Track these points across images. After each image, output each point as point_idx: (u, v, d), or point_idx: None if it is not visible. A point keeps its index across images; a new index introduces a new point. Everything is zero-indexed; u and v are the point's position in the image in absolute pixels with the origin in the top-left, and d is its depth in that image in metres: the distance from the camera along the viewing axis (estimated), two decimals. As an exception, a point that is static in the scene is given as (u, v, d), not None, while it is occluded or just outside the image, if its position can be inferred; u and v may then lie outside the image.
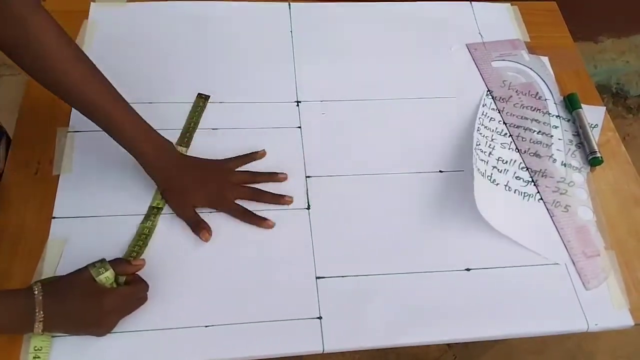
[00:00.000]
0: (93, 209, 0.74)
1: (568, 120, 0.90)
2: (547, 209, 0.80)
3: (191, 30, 0.94)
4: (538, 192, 0.82)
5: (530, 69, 0.94)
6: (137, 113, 0.71)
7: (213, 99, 0.86)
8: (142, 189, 0.76)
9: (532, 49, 0.99)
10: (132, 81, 0.85)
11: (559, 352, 1.50)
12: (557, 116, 0.90)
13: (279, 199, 0.77)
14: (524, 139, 0.86)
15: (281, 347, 0.67)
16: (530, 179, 0.83)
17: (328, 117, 0.87)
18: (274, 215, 0.76)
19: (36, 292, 0.59)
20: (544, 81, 0.94)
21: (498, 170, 0.82)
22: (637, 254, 0.79)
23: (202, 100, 0.85)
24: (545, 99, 0.91)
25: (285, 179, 0.79)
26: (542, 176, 0.83)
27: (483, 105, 0.89)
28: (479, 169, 0.79)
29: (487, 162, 0.82)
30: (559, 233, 0.78)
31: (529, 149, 0.86)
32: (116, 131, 0.70)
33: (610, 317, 0.73)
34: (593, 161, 0.84)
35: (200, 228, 0.73)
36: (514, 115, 0.89)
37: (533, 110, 0.89)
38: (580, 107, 0.89)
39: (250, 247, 0.73)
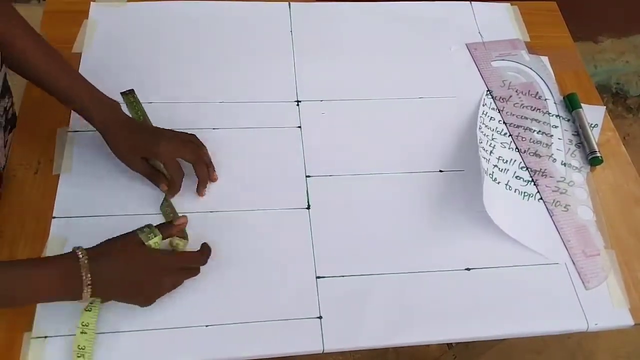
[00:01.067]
0: (93, 209, 0.74)
1: (568, 120, 0.90)
2: (547, 209, 0.80)
3: (191, 30, 0.94)
4: (538, 191, 0.82)
5: (531, 68, 0.94)
6: (83, 78, 0.73)
7: (213, 98, 0.86)
8: (141, 189, 0.76)
9: (532, 49, 0.99)
10: (132, 81, 0.85)
11: (559, 351, 1.50)
12: (557, 116, 0.90)
13: (212, 175, 0.77)
14: (523, 139, 0.86)
15: (281, 346, 0.67)
16: (530, 179, 0.83)
17: (328, 116, 0.87)
18: (273, 215, 0.76)
19: (80, 256, 0.59)
20: (544, 81, 0.94)
21: (499, 169, 0.82)
22: (637, 254, 0.79)
23: (128, 97, 0.83)
24: (545, 99, 0.92)
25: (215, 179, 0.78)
26: (542, 176, 0.83)
27: (483, 105, 0.89)
28: (483, 167, 0.79)
29: (488, 161, 0.82)
30: (558, 232, 0.78)
31: (528, 148, 0.86)
32: (65, 97, 0.72)
33: (610, 317, 0.73)
34: (593, 160, 0.84)
35: (157, 179, 0.75)
36: (513, 114, 0.89)
37: (533, 110, 0.89)
38: (580, 107, 0.89)
39: (250, 246, 0.73)
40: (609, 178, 0.86)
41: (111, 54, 0.88)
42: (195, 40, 0.93)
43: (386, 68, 0.93)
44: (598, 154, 0.84)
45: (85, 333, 0.62)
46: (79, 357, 0.62)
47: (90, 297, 0.60)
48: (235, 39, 0.94)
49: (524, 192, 0.82)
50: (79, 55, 0.87)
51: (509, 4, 1.06)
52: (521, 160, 0.84)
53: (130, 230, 0.64)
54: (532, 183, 0.83)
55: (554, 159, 0.85)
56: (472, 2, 1.05)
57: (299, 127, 0.85)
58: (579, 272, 0.75)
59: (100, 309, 0.64)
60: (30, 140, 0.78)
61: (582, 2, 1.26)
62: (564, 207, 0.80)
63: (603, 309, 0.73)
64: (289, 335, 0.67)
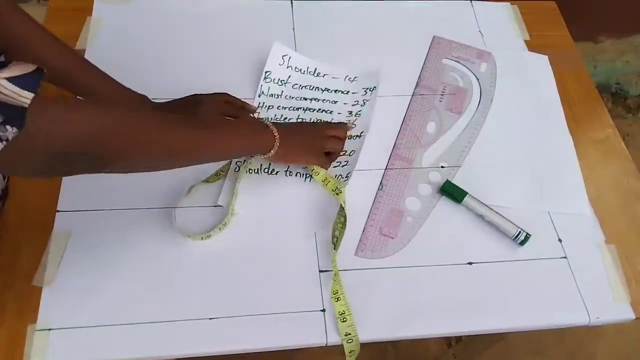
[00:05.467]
0: (97, 203, 0.74)
1: (347, 92, 0.89)
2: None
3: (194, 27, 0.94)
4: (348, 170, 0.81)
5: (478, 80, 0.94)
6: (106, 75, 0.74)
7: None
8: (145, 183, 0.76)
9: (532, 48, 1.00)
10: (135, 77, 0.85)
11: (558, 351, 1.50)
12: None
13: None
14: (303, 120, 0.86)
15: (285, 339, 0.67)
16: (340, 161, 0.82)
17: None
18: (278, 209, 0.76)
19: (270, 126, 0.68)
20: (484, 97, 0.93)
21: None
22: (637, 248, 0.80)
23: None
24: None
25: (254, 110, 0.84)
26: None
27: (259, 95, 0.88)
28: (250, 170, 0.79)
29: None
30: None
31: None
32: (93, 95, 0.73)
33: (612, 311, 0.74)
34: (522, 242, 0.77)
35: None
36: (292, 97, 0.88)
37: (311, 89, 0.89)
38: (465, 194, 0.80)
39: (254, 241, 0.74)
40: (609, 174, 0.87)
41: (115, 50, 0.88)
42: (198, 37, 0.93)
43: (387, 67, 0.94)
44: (524, 234, 0.76)
45: (339, 299, 0.69)
46: (343, 321, 0.68)
47: (276, 154, 0.69)
48: (238, 36, 0.94)
49: (305, 173, 0.80)
50: (83, 51, 0.88)
51: (509, 3, 1.06)
52: None
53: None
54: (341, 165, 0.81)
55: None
56: (473, 1, 1.05)
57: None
58: (362, 240, 0.76)
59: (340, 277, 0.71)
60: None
61: (582, 2, 1.27)
62: (344, 178, 0.79)
63: (604, 303, 0.74)
64: (292, 327, 0.68)
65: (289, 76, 0.88)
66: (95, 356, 0.64)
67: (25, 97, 0.46)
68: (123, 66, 0.86)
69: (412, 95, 0.91)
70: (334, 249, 0.72)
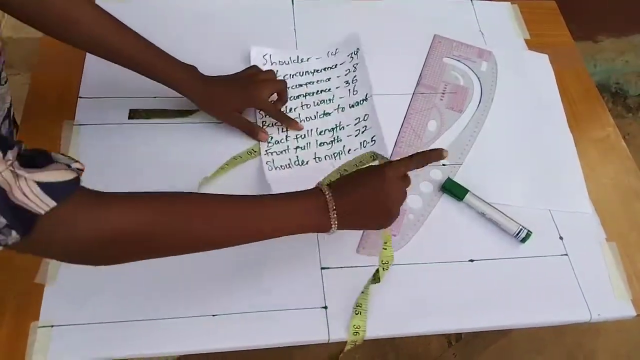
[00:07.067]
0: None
1: (335, 66, 0.91)
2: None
3: (194, 26, 0.94)
4: (344, 145, 0.83)
5: (479, 79, 0.94)
6: (158, 48, 0.76)
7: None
8: (147, 181, 0.76)
9: (532, 47, 1.00)
10: (137, 77, 0.85)
11: (558, 351, 1.51)
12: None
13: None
14: (307, 106, 0.87)
15: (287, 336, 0.68)
16: (332, 139, 0.83)
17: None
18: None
19: (325, 192, 0.61)
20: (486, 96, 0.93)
21: (301, 148, 0.82)
22: (638, 246, 0.80)
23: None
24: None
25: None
26: (341, 129, 0.84)
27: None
28: (278, 167, 0.80)
29: (287, 150, 0.82)
30: None
31: (317, 112, 0.86)
32: (149, 70, 0.75)
33: (613, 308, 0.74)
34: (524, 240, 0.77)
35: (255, 131, 0.81)
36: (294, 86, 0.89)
37: (301, 75, 0.90)
38: (467, 192, 0.80)
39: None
40: (610, 172, 0.87)
41: (116, 49, 0.88)
42: (198, 36, 0.93)
43: (388, 66, 0.94)
44: (525, 232, 0.77)
45: (360, 314, 0.68)
46: (354, 334, 0.68)
47: (337, 229, 0.62)
48: (239, 35, 0.94)
49: (334, 154, 0.82)
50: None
51: (509, 2, 1.07)
52: (317, 127, 0.85)
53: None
54: (336, 141, 0.83)
55: (342, 107, 0.87)
56: (474, 1, 1.06)
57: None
58: (363, 237, 0.75)
59: (371, 290, 0.70)
60: (35, 133, 0.79)
61: (582, 1, 1.28)
62: (371, 141, 0.82)
63: (605, 300, 0.74)
64: (294, 325, 0.68)
65: (277, 71, 0.89)
66: (97, 353, 0.64)
67: (46, 204, 0.44)
68: (124, 65, 0.87)
69: (413, 94, 0.91)
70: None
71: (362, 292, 0.70)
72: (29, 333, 0.64)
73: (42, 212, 0.44)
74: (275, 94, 0.83)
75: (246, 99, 0.80)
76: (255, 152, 0.80)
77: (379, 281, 0.70)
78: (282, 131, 0.83)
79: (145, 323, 0.66)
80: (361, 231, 0.76)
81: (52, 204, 0.44)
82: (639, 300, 0.74)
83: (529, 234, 0.76)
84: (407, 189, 0.67)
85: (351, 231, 0.75)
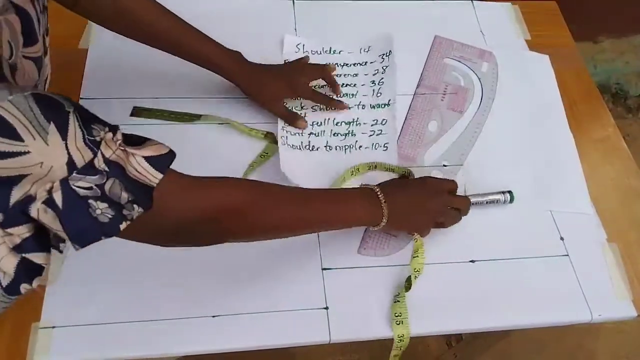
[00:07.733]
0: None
1: (364, 64, 0.93)
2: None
3: (195, 26, 0.94)
4: (357, 140, 0.84)
5: (479, 80, 0.94)
6: (205, 35, 0.78)
7: (218, 94, 0.87)
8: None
9: (533, 48, 1.00)
10: (136, 77, 0.85)
11: (558, 351, 1.50)
12: (360, 64, 0.93)
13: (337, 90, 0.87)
14: (330, 96, 0.87)
15: (288, 337, 0.68)
16: (347, 132, 0.85)
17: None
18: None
19: (377, 192, 0.68)
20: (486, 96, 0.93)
21: (315, 135, 0.84)
22: (639, 247, 0.80)
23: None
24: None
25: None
26: (357, 125, 0.86)
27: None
28: (290, 145, 0.81)
29: (301, 133, 0.84)
30: None
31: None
32: (196, 57, 0.79)
33: (614, 308, 0.74)
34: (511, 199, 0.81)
35: (295, 119, 0.83)
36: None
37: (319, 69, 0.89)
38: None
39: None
40: (611, 173, 0.87)
41: (116, 50, 0.88)
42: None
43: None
44: (507, 195, 0.80)
45: (401, 323, 0.69)
46: (399, 341, 0.69)
47: (386, 225, 0.68)
48: (240, 36, 0.94)
49: (344, 146, 0.83)
50: (86, 50, 0.88)
51: (510, 3, 1.07)
52: (334, 117, 0.86)
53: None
54: (350, 135, 0.85)
55: (363, 105, 0.88)
56: (474, 2, 1.06)
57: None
58: (364, 238, 0.76)
59: (407, 299, 0.70)
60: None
61: (582, 2, 1.28)
62: (383, 147, 0.83)
63: (606, 301, 0.74)
64: (295, 325, 0.68)
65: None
66: (98, 354, 0.64)
67: (155, 177, 0.47)
68: (125, 66, 0.87)
69: (414, 95, 0.91)
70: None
71: (398, 301, 0.70)
72: (30, 334, 0.64)
73: (154, 185, 0.47)
74: (321, 80, 0.86)
75: (291, 88, 0.83)
76: (267, 154, 0.81)
77: (410, 289, 0.70)
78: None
79: (146, 324, 0.66)
80: (362, 232, 0.76)
81: (159, 175, 0.48)
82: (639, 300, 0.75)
83: (511, 193, 0.79)
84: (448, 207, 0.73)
85: (352, 232, 0.75)
